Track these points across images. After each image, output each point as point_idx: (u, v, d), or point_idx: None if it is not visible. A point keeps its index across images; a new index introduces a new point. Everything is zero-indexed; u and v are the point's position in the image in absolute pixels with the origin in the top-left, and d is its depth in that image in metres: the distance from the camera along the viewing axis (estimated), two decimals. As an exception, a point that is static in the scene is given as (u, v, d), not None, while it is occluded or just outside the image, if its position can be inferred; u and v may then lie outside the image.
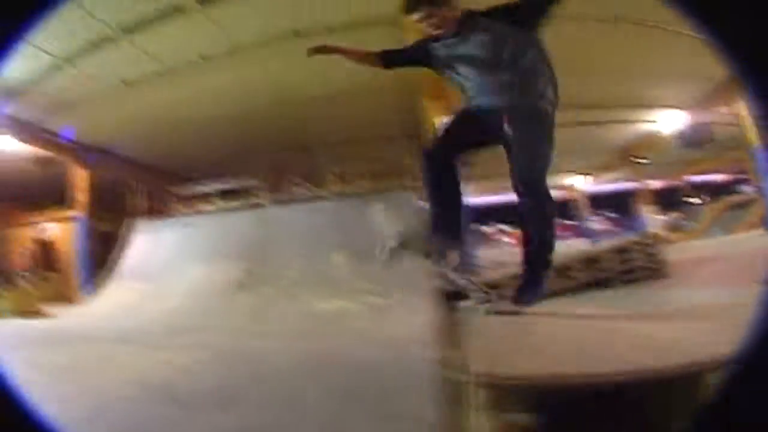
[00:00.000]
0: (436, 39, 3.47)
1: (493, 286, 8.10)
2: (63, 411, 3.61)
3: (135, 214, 15.88)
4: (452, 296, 7.16)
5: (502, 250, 21.89)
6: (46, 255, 21.66)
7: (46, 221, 21.90)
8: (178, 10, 10.29)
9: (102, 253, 17.93)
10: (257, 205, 13.80)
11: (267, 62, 12.23)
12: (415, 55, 3.68)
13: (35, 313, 12.68)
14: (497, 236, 27.64)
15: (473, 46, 3.35)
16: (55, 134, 16.61)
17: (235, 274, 10.81)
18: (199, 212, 14.94)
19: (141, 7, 10.33)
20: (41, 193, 22.72)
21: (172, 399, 4.20)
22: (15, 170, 19.58)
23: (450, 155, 3.50)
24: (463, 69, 3.42)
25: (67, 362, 6.01)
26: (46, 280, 19.36)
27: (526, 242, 3.48)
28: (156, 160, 19.00)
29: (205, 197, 15.70)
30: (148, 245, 14.13)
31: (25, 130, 15.81)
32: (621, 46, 10.55)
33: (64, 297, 17.80)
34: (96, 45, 11.19)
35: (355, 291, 8.63)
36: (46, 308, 13.35)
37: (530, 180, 3.23)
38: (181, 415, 3.81)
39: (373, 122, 14.97)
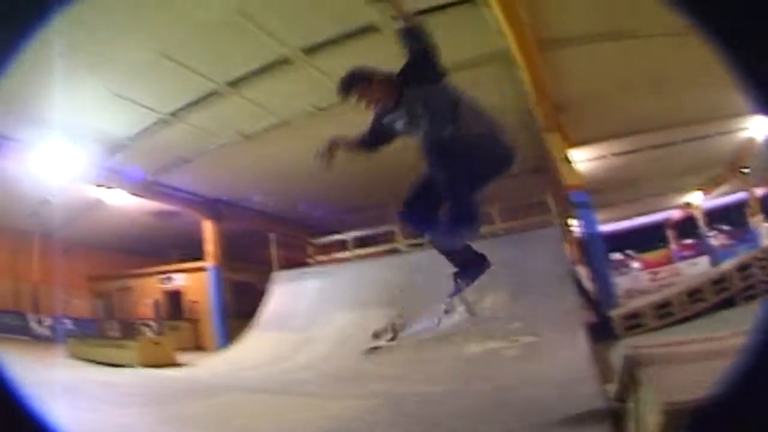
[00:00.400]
0: (383, 113, 3.84)
1: (635, 315, 8.46)
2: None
3: (270, 264, 16.08)
4: (599, 331, 7.27)
5: (632, 276, 21.99)
6: (173, 305, 22.55)
7: (172, 272, 22.88)
8: (284, 63, 10.63)
9: (235, 303, 18.91)
10: (395, 251, 13.95)
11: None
12: (381, 133, 3.99)
13: (166, 364, 12.84)
14: (626, 262, 27.18)
15: (415, 112, 3.73)
16: (176, 189, 17.31)
17: (381, 320, 10.89)
18: (337, 260, 15.13)
19: (249, 61, 10.72)
20: (165, 245, 24.23)
21: None
22: (137, 224, 20.95)
23: (421, 214, 3.87)
24: (414, 133, 3.75)
25: (223, 412, 6.37)
26: (175, 329, 20.25)
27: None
28: (286, 212, 19.45)
29: (342, 245, 15.85)
30: (289, 295, 14.26)
31: (143, 185, 16.57)
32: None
33: (195, 347, 18.80)
34: (206, 100, 11.66)
35: (506, 331, 8.56)
36: (179, 358, 13.59)
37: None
38: None
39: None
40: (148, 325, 21.84)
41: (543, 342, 7.88)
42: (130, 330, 22.38)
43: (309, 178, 14.71)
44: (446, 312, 8.45)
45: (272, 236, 16.23)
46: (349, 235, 15.37)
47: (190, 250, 21.65)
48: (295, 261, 15.85)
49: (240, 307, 18.62)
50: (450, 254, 4.28)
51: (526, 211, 13.95)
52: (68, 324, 23.89)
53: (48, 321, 23.67)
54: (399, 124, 3.84)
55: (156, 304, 23.20)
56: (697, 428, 1.56)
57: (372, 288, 11.96)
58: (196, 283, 20.73)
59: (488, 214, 13.09)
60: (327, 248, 16.30)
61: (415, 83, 3.75)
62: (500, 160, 3.77)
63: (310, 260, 16.03)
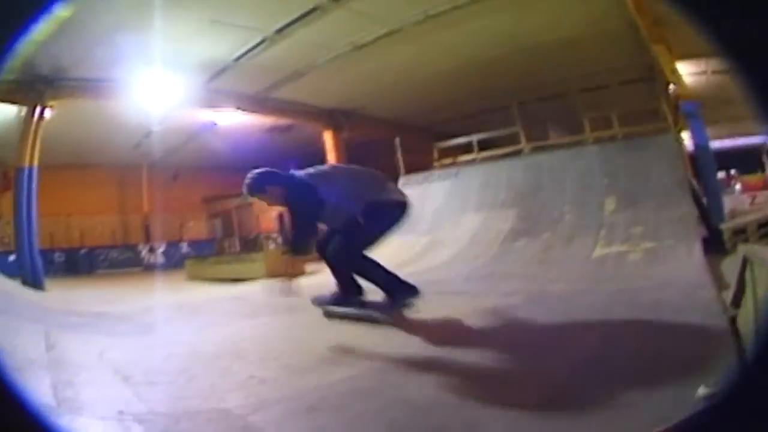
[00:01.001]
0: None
1: (743, 230, 9.13)
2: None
3: (395, 170, 15.98)
4: (709, 243, 8.20)
5: (734, 196, 22.04)
6: None
7: None
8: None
9: None
10: (519, 153, 13.81)
11: (496, 13, 12.55)
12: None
13: (295, 274, 12.67)
14: (728, 181, 27.25)
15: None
16: (289, 103, 17.81)
17: (510, 221, 10.98)
18: (462, 163, 14.99)
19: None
20: (281, 159, 24.88)
21: (510, 342, 4.49)
22: (250, 141, 21.25)
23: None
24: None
25: None
26: None
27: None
28: (407, 118, 19.62)
29: (466, 148, 15.80)
30: (415, 198, 13.16)
31: (254, 102, 17.21)
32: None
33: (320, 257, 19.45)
34: (311, 15, 12.14)
35: (628, 235, 8.77)
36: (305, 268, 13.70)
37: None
38: (519, 354, 4.13)
39: (613, 67, 15.14)
40: (271, 238, 23.06)
41: (662, 248, 8.01)
42: (252, 245, 23.68)
43: (426, 84, 15.75)
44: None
45: (397, 140, 16.32)
46: (472, 138, 15.46)
47: (309, 163, 22.41)
48: (420, 165, 15.87)
49: None
50: (377, 283, 6.02)
51: (641, 119, 13.91)
52: (184, 248, 25.62)
53: (161, 248, 25.46)
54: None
55: (280, 217, 23.74)
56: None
57: (498, 189, 12.15)
58: None
59: (607, 119, 13.33)
60: (451, 151, 16.43)
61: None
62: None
63: (435, 164, 16.10)
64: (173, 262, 24.14)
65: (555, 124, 16.11)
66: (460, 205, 12.70)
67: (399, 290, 5.99)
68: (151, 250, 25.36)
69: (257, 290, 9.28)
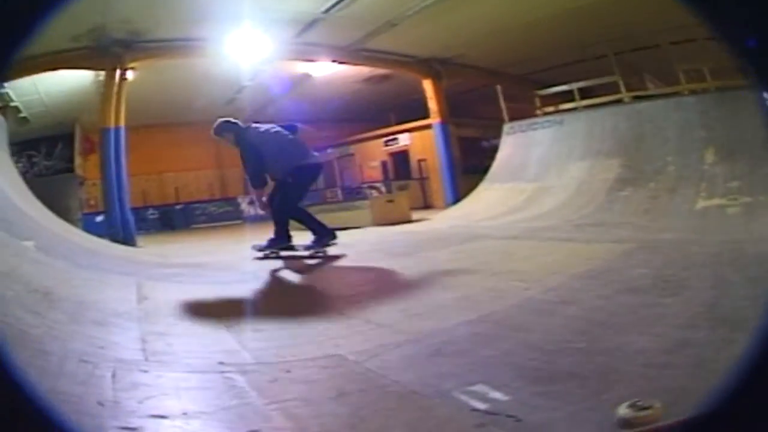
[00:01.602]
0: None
1: None
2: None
3: (496, 119, 16.39)
4: None
5: None
6: (401, 165, 23.63)
7: (397, 133, 23.72)
8: None
9: (464, 159, 19.62)
10: (619, 102, 13.80)
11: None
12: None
13: (400, 221, 13.43)
14: None
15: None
16: (385, 52, 17.89)
17: (615, 170, 11.18)
18: (564, 111, 15.06)
19: None
20: (379, 110, 25.26)
21: (627, 288, 4.49)
22: (347, 92, 21.92)
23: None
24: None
25: (483, 255, 7.27)
26: (404, 189, 21.15)
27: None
28: (506, 66, 19.51)
29: (566, 96, 15.78)
30: (519, 146, 14.55)
31: (349, 52, 17.40)
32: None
33: (424, 206, 20.21)
34: None
35: (728, 190, 8.87)
36: (411, 215, 14.20)
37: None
38: (637, 301, 4.07)
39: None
40: (374, 188, 22.86)
41: (758, 204, 8.12)
42: (355, 194, 23.15)
43: (522, 33, 15.73)
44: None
45: (498, 88, 16.40)
46: (572, 86, 15.42)
47: (407, 113, 22.59)
48: (521, 113, 16.05)
49: (469, 163, 19.65)
50: (309, 227, 8.31)
51: (732, 73, 13.45)
52: None
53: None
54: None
55: (383, 166, 24.42)
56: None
57: (603, 138, 12.27)
58: (422, 141, 21.77)
59: (697, 71, 13.22)
60: (552, 100, 16.43)
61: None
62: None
63: (537, 112, 16.22)
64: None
65: (651, 75, 15.71)
66: (566, 153, 12.92)
67: (324, 233, 8.22)
68: (251, 202, 25.28)
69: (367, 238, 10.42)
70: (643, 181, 10.45)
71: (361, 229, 12.66)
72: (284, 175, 8.19)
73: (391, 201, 14.24)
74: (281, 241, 8.37)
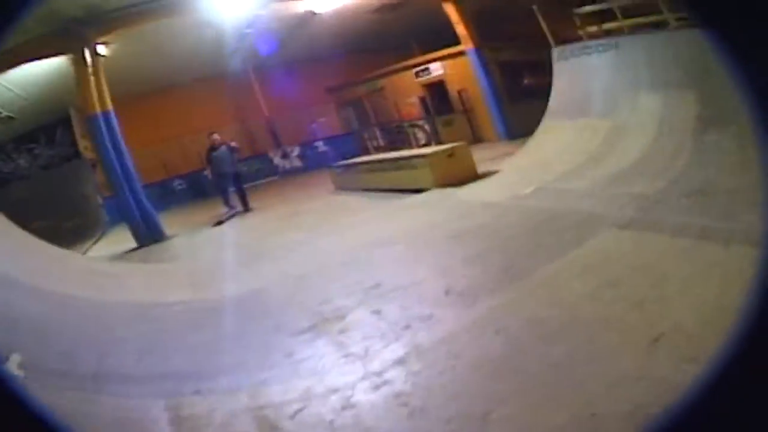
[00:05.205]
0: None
1: None
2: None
3: (534, 39, 15.13)
4: None
5: None
6: (439, 98, 21.85)
7: (427, 63, 22.08)
8: None
9: (507, 86, 18.56)
10: (663, 24, 12.17)
11: None
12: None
13: (467, 178, 11.83)
14: None
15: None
16: None
17: (692, 106, 9.66)
18: (610, 33, 13.48)
19: None
20: (400, 38, 24.08)
21: None
22: (360, 24, 20.99)
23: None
24: None
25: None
26: (449, 125, 20.43)
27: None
28: None
29: (606, 15, 13.94)
30: (577, 73, 13.23)
31: None
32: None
33: (473, 140, 18.42)
34: None
35: None
36: (476, 169, 12.41)
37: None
38: None
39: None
40: (417, 125, 22.03)
41: None
42: (397, 136, 23.06)
43: None
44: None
45: (534, 8, 14.68)
46: (612, 4, 13.37)
47: (430, 39, 21.40)
48: (562, 35, 14.71)
49: (513, 89, 18.59)
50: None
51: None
52: (320, 147, 25.20)
53: (295, 152, 25.27)
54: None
55: (422, 101, 22.75)
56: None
57: (666, 66, 10.74)
58: (458, 69, 20.19)
59: None
60: (591, 18, 14.42)
61: None
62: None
63: (580, 32, 14.38)
64: (312, 165, 24.03)
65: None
66: (631, 83, 11.40)
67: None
68: (285, 156, 25.02)
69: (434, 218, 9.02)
70: (725, 122, 8.61)
71: (423, 194, 11.67)
72: None
73: (452, 155, 12.30)
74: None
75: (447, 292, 5.48)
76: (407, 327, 4.88)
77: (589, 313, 4.44)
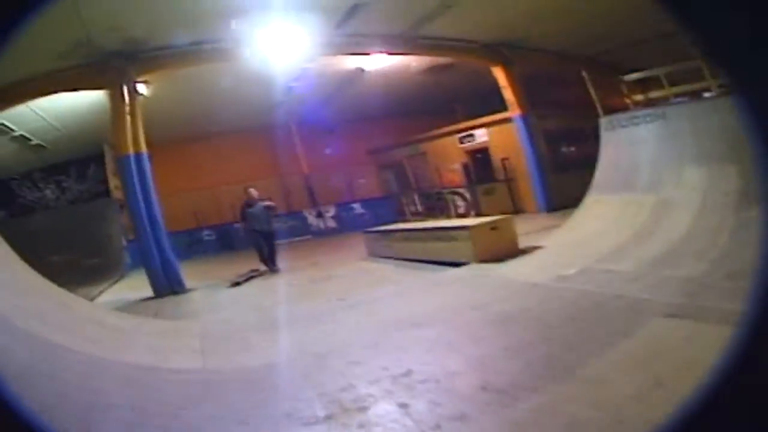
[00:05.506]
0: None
1: None
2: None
3: (580, 107, 14.93)
4: None
5: None
6: (482, 166, 21.43)
7: (471, 129, 21.65)
8: None
9: (551, 155, 18.26)
10: (705, 91, 12.20)
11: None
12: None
13: (510, 254, 11.02)
14: None
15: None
16: (443, 38, 16.57)
17: (734, 180, 9.41)
18: (657, 101, 13.48)
19: None
20: (445, 102, 24.08)
21: None
22: (406, 85, 20.67)
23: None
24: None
25: None
26: (490, 193, 19.85)
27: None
28: (581, 49, 18.30)
29: (652, 83, 14.20)
30: (622, 144, 12.77)
31: (402, 41, 16.04)
32: None
33: (513, 210, 17.94)
34: None
35: None
36: (518, 243, 11.65)
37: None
38: None
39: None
40: (457, 193, 21.50)
41: None
42: (437, 203, 22.57)
43: (585, 11, 14.60)
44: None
45: (584, 74, 14.30)
46: (658, 71, 13.31)
47: (475, 103, 21.30)
48: (608, 101, 14.29)
49: (557, 158, 18.21)
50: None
51: None
52: (357, 209, 24.51)
53: (331, 213, 24.55)
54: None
55: (465, 168, 22.28)
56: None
57: (711, 137, 10.35)
58: (503, 136, 19.75)
59: None
60: (637, 87, 14.68)
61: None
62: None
63: (627, 101, 14.37)
64: (347, 227, 23.41)
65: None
66: (677, 155, 11.07)
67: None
68: (319, 216, 24.38)
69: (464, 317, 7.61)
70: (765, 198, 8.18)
71: (462, 268, 10.84)
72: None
73: (495, 228, 11.45)
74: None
75: (484, 388, 4.87)
76: (437, 428, 4.27)
77: (634, 417, 3.95)
